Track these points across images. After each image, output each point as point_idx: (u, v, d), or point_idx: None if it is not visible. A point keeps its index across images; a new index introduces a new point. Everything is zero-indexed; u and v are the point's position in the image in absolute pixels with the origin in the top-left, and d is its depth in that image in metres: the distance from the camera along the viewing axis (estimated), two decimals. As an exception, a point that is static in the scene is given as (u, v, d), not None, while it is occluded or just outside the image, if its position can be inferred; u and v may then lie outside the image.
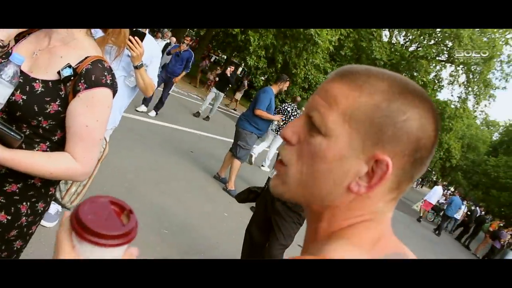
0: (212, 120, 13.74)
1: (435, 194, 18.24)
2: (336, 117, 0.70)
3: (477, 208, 21.09)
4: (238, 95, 23.28)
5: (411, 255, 0.75)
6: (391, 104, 0.68)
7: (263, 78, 25.80)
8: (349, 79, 0.72)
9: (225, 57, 32.31)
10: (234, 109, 22.61)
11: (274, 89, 7.13)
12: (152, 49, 3.32)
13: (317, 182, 0.72)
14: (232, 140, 7.09)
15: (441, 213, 17.53)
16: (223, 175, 7.24)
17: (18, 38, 1.56)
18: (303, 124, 0.75)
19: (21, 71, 1.46)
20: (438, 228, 16.69)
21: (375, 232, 0.72)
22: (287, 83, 7.33)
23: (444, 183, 47.00)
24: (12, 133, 1.40)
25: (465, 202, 22.98)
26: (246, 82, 23.93)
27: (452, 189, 48.10)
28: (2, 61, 1.47)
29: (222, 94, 13.76)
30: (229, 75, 14.09)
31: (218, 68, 24.76)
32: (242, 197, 4.06)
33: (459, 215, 19.54)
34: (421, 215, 18.52)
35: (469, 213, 19.78)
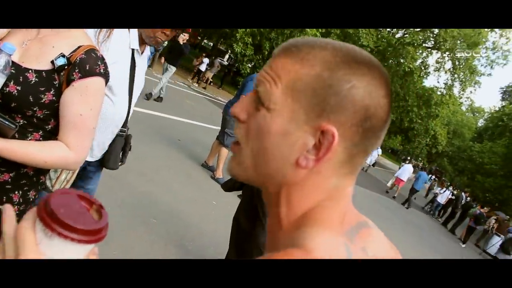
0: (199, 108, 13.67)
1: (405, 171, 19.15)
2: (280, 91, 0.69)
3: (463, 193, 21.41)
4: (209, 74, 23.11)
5: (370, 223, 0.76)
6: (334, 73, 0.67)
7: (249, 65, 25.71)
8: (292, 52, 0.71)
9: (212, 44, 32.08)
10: (204, 88, 22.48)
11: None
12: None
13: (266, 159, 0.71)
14: (218, 127, 7.07)
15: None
16: (210, 163, 7.24)
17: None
18: (252, 101, 0.74)
19: (12, 62, 1.45)
20: (406, 201, 17.88)
21: (339, 210, 0.71)
22: None
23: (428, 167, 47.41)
24: (6, 123, 1.41)
25: (450, 188, 23.40)
26: (217, 61, 23.77)
27: (438, 175, 48.55)
28: None
29: (173, 68, 11.86)
30: (181, 43, 11.31)
31: (204, 54, 24.61)
32: (228, 186, 4.06)
33: (442, 199, 20.03)
34: (392, 189, 20.11)
35: (453, 197, 20.29)
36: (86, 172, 2.66)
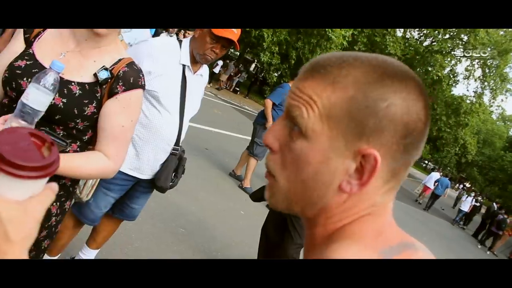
0: (226, 116, 13.73)
1: (432, 178, 19.32)
2: (314, 118, 0.66)
3: (494, 204, 20.99)
4: (224, 77, 23.15)
5: (418, 244, 0.71)
6: (368, 93, 0.64)
7: (276, 74, 25.74)
8: (321, 74, 0.67)
9: (238, 53, 32.24)
10: (217, 89, 22.47)
11: (291, 85, 7.00)
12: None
13: (306, 188, 0.68)
14: (245, 137, 7.04)
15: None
16: (238, 173, 7.23)
17: (28, 36, 1.55)
18: (283, 127, 0.71)
19: None
20: (426, 206, 18.42)
21: (374, 225, 0.68)
22: None
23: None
24: (58, 141, 1.44)
25: (472, 194, 23.12)
26: (232, 64, 23.87)
27: (467, 184, 47.61)
28: (27, 62, 1.48)
29: None
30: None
31: (228, 61, 24.77)
32: (257, 196, 4.04)
33: (466, 207, 19.77)
34: (420, 197, 20.36)
35: (477, 204, 20.10)
36: (134, 191, 2.67)
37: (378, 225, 0.69)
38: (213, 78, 22.91)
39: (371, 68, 0.66)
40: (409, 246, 0.69)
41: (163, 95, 2.40)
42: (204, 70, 2.69)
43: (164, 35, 8.98)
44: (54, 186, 0.69)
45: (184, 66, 2.50)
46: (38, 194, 0.67)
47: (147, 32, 4.54)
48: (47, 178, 0.66)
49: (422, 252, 0.71)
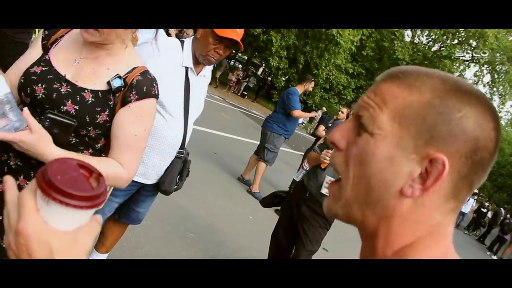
0: (234, 121, 13.74)
1: None
2: (386, 116, 0.67)
3: (501, 209, 20.89)
4: (218, 73, 23.10)
5: None
6: (445, 101, 0.65)
7: (284, 78, 25.76)
8: (399, 78, 0.69)
9: (246, 57, 32.31)
10: (215, 87, 22.45)
11: (299, 89, 7.02)
12: None
13: (368, 186, 0.68)
14: (253, 141, 7.05)
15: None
16: (247, 177, 7.21)
17: (46, 43, 1.56)
18: (351, 127, 0.72)
19: (66, 80, 1.48)
20: None
21: (437, 252, 0.67)
22: (312, 83, 7.26)
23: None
24: (65, 120, 1.43)
25: (475, 197, 23.13)
26: (226, 62, 23.93)
27: (475, 190, 47.31)
28: (43, 69, 1.49)
29: None
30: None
31: (240, 68, 24.82)
32: (267, 202, 4.03)
33: (467, 209, 19.60)
34: None
35: (482, 210, 19.98)
36: (139, 195, 2.65)
37: (440, 250, 0.68)
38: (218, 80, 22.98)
39: (448, 81, 0.67)
40: None
41: (167, 100, 2.36)
42: (207, 70, 2.65)
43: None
44: (99, 218, 0.70)
45: (187, 68, 2.46)
46: (86, 225, 0.67)
47: (150, 33, 4.54)
48: (95, 209, 0.67)
49: None
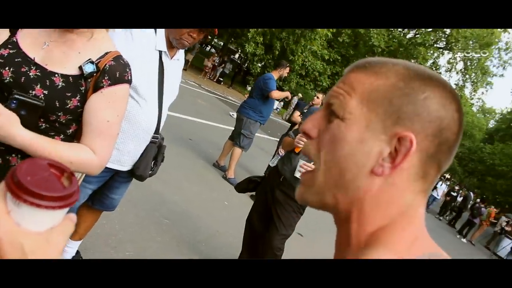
0: (209, 107, 13.68)
1: None
2: (355, 101, 0.70)
3: (471, 193, 21.39)
4: (190, 56, 22.96)
5: (445, 255, 0.71)
6: (409, 83, 0.69)
7: (260, 65, 25.69)
8: (365, 67, 0.73)
9: (222, 43, 32.09)
10: (185, 69, 22.34)
11: (275, 75, 7.03)
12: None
13: (340, 169, 0.70)
14: (228, 127, 7.03)
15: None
16: (222, 163, 7.21)
17: None
18: (322, 116, 0.75)
19: (35, 63, 1.44)
20: None
21: (409, 233, 0.69)
22: (287, 69, 7.26)
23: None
24: (33, 101, 1.39)
25: (447, 183, 23.58)
26: (197, 46, 23.93)
27: (447, 176, 48.29)
28: (10, 51, 1.44)
29: None
30: None
31: (215, 54, 24.65)
32: (241, 187, 4.04)
33: (438, 195, 19.99)
34: None
35: (452, 194, 20.46)
36: (113, 182, 2.62)
37: (411, 231, 0.69)
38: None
39: (411, 66, 0.72)
40: (438, 257, 0.69)
41: (141, 84, 2.33)
42: (180, 53, 2.62)
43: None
44: (73, 216, 0.69)
45: (160, 52, 2.43)
46: (59, 225, 0.67)
47: None
48: (67, 209, 0.67)
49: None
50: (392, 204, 0.70)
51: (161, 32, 2.43)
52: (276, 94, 6.86)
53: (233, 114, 14.81)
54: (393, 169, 0.68)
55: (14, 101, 1.36)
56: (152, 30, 2.41)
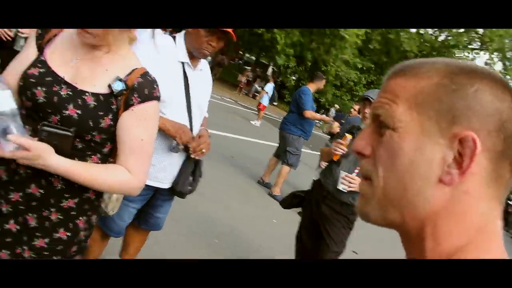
0: (247, 123, 13.65)
1: None
2: (401, 108, 0.65)
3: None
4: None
5: None
6: (454, 79, 0.63)
7: (294, 77, 25.62)
8: (403, 71, 0.68)
9: (254, 57, 32.24)
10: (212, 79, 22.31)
11: (311, 88, 6.94)
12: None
13: (403, 182, 0.64)
14: (268, 143, 6.93)
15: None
16: (267, 180, 7.15)
17: (40, 43, 1.53)
18: (372, 131, 0.70)
19: (66, 81, 1.45)
20: None
21: (493, 254, 0.62)
22: (323, 81, 7.18)
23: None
24: (61, 132, 1.40)
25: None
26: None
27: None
28: (40, 70, 1.46)
29: None
30: None
31: (248, 70, 24.79)
32: (286, 203, 3.94)
33: None
34: None
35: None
36: (156, 200, 2.64)
37: (495, 253, 0.63)
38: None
39: (451, 62, 0.67)
40: None
41: (170, 99, 2.31)
42: (203, 64, 2.60)
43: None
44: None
45: (183, 63, 2.42)
46: None
47: (147, 32, 4.52)
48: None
49: None
50: (468, 215, 0.63)
51: (181, 43, 2.43)
52: (309, 114, 6.68)
53: (255, 123, 14.78)
54: (462, 175, 0.61)
55: (44, 132, 1.37)
56: (172, 40, 2.43)
